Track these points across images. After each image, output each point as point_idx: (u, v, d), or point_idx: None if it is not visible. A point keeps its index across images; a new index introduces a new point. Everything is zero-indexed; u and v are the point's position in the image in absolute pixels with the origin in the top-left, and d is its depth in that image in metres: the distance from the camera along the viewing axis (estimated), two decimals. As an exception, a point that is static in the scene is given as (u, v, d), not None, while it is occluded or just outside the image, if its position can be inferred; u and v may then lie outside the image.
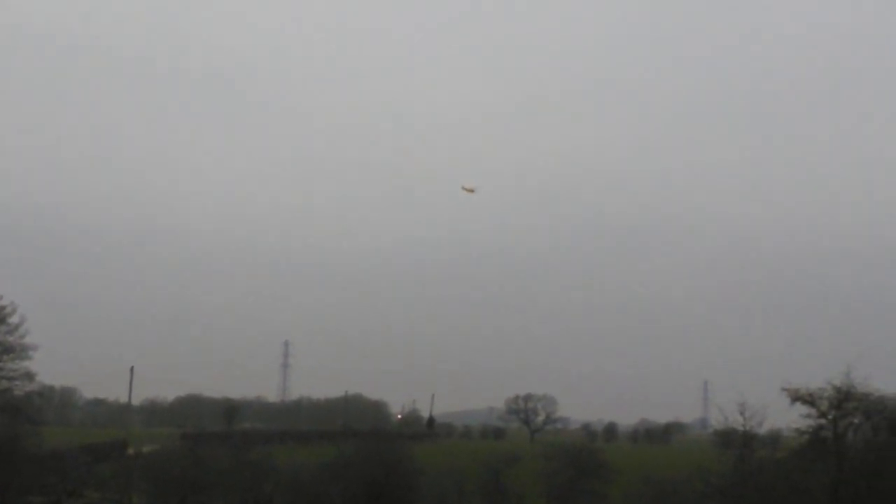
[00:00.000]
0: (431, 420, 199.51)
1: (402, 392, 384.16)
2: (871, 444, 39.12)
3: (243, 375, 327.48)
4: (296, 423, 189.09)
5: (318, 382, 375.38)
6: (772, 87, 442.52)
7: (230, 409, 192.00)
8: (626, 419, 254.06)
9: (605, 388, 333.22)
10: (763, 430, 47.04)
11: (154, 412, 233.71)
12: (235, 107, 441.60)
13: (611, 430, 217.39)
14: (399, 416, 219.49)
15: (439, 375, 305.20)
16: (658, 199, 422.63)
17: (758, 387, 48.88)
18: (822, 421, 39.55)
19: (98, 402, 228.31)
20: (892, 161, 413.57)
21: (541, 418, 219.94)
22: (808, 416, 39.80)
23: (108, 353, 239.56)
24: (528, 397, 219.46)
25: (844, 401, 38.96)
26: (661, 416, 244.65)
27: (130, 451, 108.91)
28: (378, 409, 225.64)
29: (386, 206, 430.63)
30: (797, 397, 39.59)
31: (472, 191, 66.63)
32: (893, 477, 37.97)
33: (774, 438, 52.35)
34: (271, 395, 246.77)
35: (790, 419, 41.21)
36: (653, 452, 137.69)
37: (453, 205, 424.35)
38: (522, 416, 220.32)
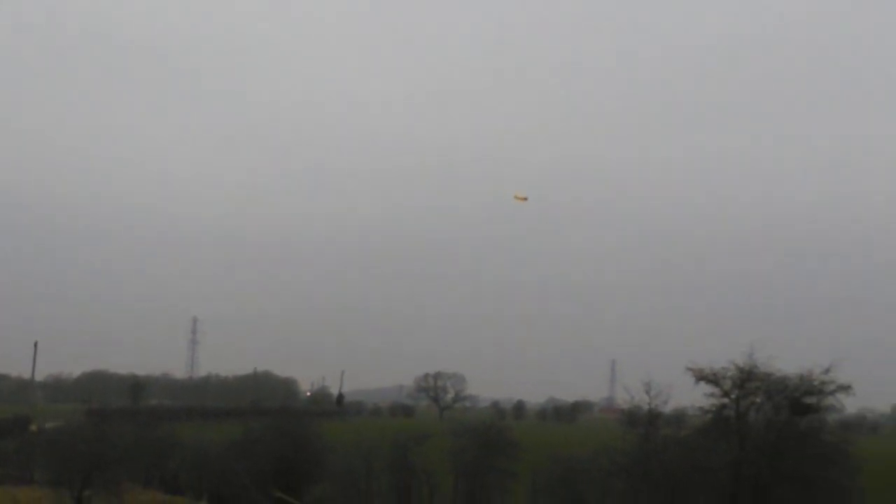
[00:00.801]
0: (341, 397, 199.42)
1: (311, 370, 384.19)
2: (772, 424, 39.83)
3: (150, 352, 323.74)
4: (204, 401, 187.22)
5: (226, 359, 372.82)
6: (670, 74, 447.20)
7: (136, 386, 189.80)
8: (535, 397, 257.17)
9: (514, 366, 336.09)
10: (668, 408, 47.71)
11: (59, 388, 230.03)
12: (164, 77, 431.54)
13: (519, 408, 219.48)
14: (308, 394, 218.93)
15: (349, 353, 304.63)
16: (566, 180, 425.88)
17: (664, 366, 49.60)
18: (726, 400, 40.14)
19: (0, 378, 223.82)
20: (803, 150, 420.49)
21: (450, 396, 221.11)
22: (712, 395, 40.36)
23: (11, 327, 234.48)
24: (437, 375, 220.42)
25: (747, 380, 39.59)
26: (568, 395, 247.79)
27: (33, 427, 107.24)
28: (287, 386, 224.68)
29: (298, 184, 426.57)
30: (701, 377, 40.11)
31: (524, 199, 67.05)
32: (793, 456, 38.77)
33: (679, 417, 53.24)
34: (179, 371, 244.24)
35: (694, 398, 41.79)
36: (560, 430, 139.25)
37: (366, 184, 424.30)
38: (432, 393, 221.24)
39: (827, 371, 39.08)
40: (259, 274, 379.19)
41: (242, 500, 46.55)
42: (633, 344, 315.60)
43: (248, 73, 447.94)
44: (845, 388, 39.40)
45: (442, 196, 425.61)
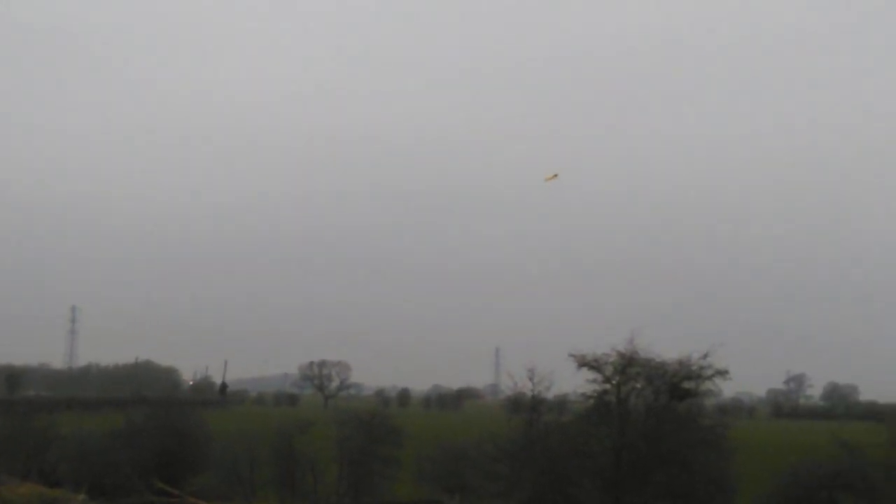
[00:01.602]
0: (224, 387, 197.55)
1: (194, 359, 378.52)
2: (652, 408, 40.58)
3: (27, 342, 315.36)
4: (84, 391, 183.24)
5: (107, 349, 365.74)
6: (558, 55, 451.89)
7: (12, 376, 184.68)
8: (420, 385, 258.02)
9: (399, 354, 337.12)
10: (551, 395, 48.21)
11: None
12: (48, 61, 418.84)
13: (404, 396, 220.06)
14: (191, 383, 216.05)
15: (233, 342, 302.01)
16: (451, 167, 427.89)
17: (547, 353, 50.19)
18: (607, 386, 40.72)
19: None
20: (686, 134, 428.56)
21: (335, 384, 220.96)
22: (594, 381, 40.90)
23: None
24: (322, 364, 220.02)
25: (628, 366, 40.22)
26: (453, 383, 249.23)
27: None
28: (169, 376, 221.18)
29: (181, 173, 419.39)
30: (583, 363, 40.60)
31: (555, 176, 67.42)
32: (672, 439, 39.55)
33: (562, 403, 53.76)
34: (58, 362, 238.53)
35: (577, 384, 42.31)
36: (445, 418, 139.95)
37: (251, 172, 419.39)
38: (316, 382, 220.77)
39: (705, 357, 39.92)
40: (139, 263, 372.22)
41: (124, 492, 45.62)
42: (516, 331, 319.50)
43: (142, 61, 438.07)
44: (722, 373, 40.30)
45: (327, 183, 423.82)
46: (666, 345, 43.27)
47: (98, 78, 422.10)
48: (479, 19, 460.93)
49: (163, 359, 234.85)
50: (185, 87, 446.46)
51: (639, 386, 40.99)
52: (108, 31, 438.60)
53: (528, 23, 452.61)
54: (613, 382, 40.65)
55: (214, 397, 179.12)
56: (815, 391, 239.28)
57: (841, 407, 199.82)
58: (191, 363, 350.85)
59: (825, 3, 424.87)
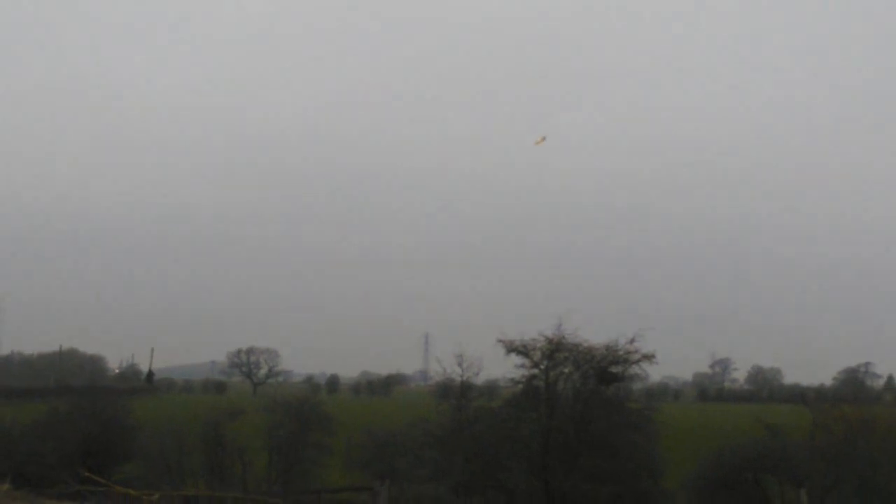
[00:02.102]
0: (150, 374, 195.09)
1: (120, 347, 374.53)
2: (580, 393, 40.95)
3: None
4: (6, 380, 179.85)
5: (30, 337, 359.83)
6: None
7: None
8: (349, 371, 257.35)
9: (328, 341, 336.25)
10: (480, 380, 48.41)
11: None
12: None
13: (333, 383, 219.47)
14: (117, 371, 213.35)
15: (159, 329, 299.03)
16: (377, 151, 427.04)
17: (476, 339, 50.35)
18: (535, 371, 41.03)
19: None
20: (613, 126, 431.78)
21: (263, 371, 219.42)
22: (522, 366, 41.20)
23: None
24: (250, 350, 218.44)
25: (556, 351, 40.53)
26: (383, 369, 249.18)
27: None
28: (95, 363, 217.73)
29: (104, 160, 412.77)
30: (512, 348, 40.85)
31: (543, 140, 68.05)
32: (599, 424, 39.98)
33: (491, 388, 54.02)
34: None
35: (506, 369, 42.55)
36: (374, 404, 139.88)
37: (175, 158, 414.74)
38: (245, 369, 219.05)
39: (631, 341, 40.40)
40: (62, 249, 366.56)
41: (49, 482, 44.97)
42: (445, 317, 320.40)
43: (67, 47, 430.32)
44: (649, 357, 40.82)
45: (251, 167, 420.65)
46: (593, 329, 43.74)
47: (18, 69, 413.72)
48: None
49: (88, 347, 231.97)
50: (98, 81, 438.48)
51: (567, 371, 41.34)
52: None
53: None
54: (542, 367, 40.94)
55: (141, 385, 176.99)
56: (740, 374, 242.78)
57: (765, 390, 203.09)
58: (117, 351, 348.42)
59: None
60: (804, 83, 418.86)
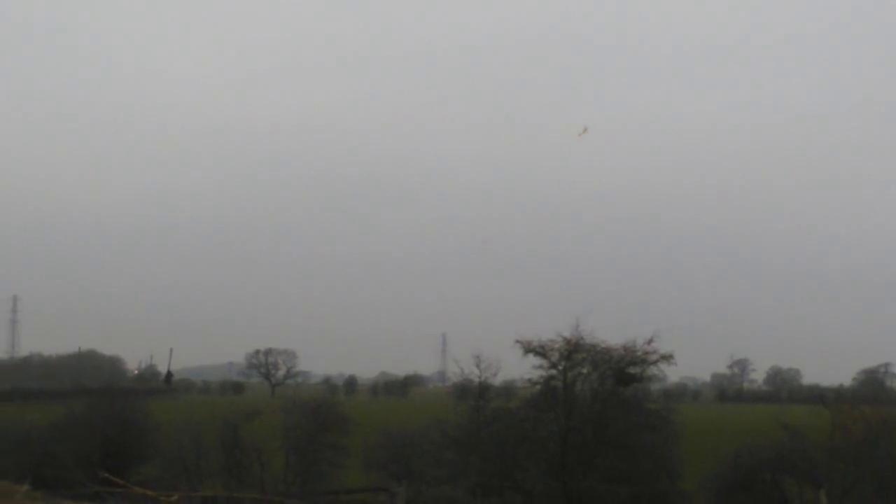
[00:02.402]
0: (169, 375, 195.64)
1: (138, 348, 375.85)
2: (598, 394, 40.88)
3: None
4: (26, 381, 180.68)
5: (49, 339, 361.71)
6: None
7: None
8: (367, 372, 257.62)
9: (346, 342, 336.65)
10: (498, 381, 48.46)
11: None
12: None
13: (351, 384, 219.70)
14: (135, 372, 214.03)
15: (178, 330, 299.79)
16: (394, 154, 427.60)
17: (493, 339, 50.39)
18: (553, 371, 40.97)
19: None
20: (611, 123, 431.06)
21: (281, 372, 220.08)
22: (540, 367, 41.15)
23: None
24: (268, 352, 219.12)
25: (574, 352, 40.46)
26: (400, 369, 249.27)
27: None
28: (113, 365, 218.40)
29: (120, 160, 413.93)
30: (530, 349, 40.81)
31: (585, 131, 68.25)
32: (617, 424, 39.91)
33: (508, 389, 54.13)
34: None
35: (523, 370, 42.52)
36: (392, 405, 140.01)
37: (190, 157, 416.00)
38: (263, 370, 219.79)
39: (650, 342, 40.34)
40: (81, 251, 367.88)
41: (67, 483, 45.13)
42: (463, 318, 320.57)
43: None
44: (667, 358, 40.75)
45: (268, 170, 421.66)
46: (611, 330, 43.66)
47: (23, 68, 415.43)
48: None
49: (106, 348, 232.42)
50: (105, 78, 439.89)
51: (585, 371, 41.27)
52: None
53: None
54: (559, 368, 40.88)
55: (160, 386, 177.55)
56: (758, 375, 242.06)
57: (784, 390, 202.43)
58: (135, 352, 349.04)
59: None
60: (815, 90, 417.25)
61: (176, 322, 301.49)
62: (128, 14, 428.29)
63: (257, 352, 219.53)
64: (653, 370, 41.18)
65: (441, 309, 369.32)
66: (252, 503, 38.56)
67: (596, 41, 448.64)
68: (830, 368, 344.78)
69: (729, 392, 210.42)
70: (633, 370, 40.72)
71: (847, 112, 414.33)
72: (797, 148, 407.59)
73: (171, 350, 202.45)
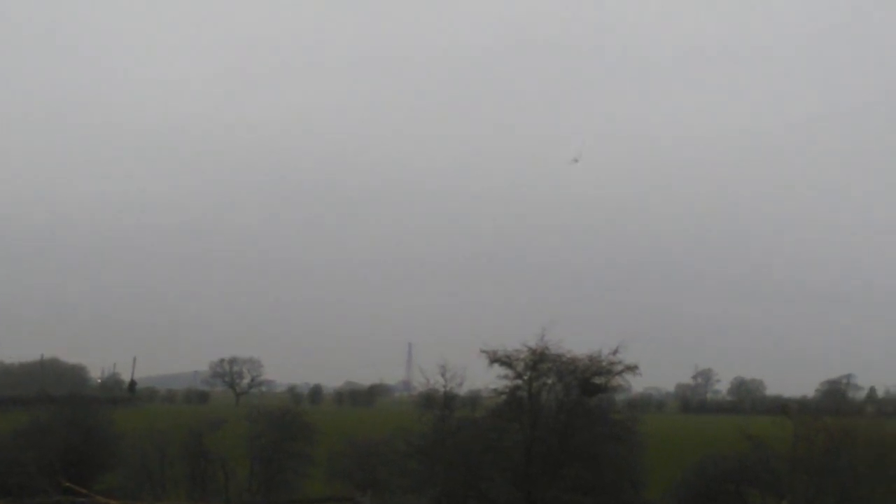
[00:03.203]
0: (133, 384, 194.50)
1: (101, 356, 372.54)
2: (563, 404, 41.00)
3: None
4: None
5: (11, 346, 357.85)
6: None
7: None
8: (332, 381, 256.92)
9: (311, 351, 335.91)
10: (463, 390, 48.42)
11: None
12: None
13: (316, 393, 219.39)
14: (99, 381, 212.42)
15: (141, 339, 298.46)
16: (358, 161, 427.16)
17: (459, 349, 50.33)
18: (519, 381, 41.06)
19: None
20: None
21: (246, 381, 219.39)
22: (506, 377, 41.23)
23: None
24: (233, 360, 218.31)
25: (539, 362, 40.58)
26: (365, 379, 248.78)
27: None
28: (76, 373, 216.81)
29: (83, 162, 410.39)
30: (495, 359, 40.88)
31: (576, 161, 67.91)
32: (582, 434, 40.03)
33: (474, 399, 54.07)
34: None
35: (489, 380, 42.57)
36: (357, 414, 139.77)
37: (153, 164, 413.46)
38: (228, 379, 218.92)
39: (615, 352, 40.52)
40: (44, 258, 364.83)
41: (30, 491, 44.75)
42: (428, 327, 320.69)
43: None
44: (632, 369, 40.94)
45: (231, 176, 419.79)
46: (576, 340, 43.79)
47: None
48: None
49: (69, 356, 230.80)
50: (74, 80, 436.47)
51: (550, 381, 41.38)
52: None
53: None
54: (525, 378, 40.98)
55: (123, 395, 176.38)
56: (722, 386, 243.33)
57: (747, 401, 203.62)
58: (98, 360, 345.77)
59: None
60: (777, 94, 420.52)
61: (140, 330, 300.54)
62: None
63: (222, 360, 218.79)
64: (618, 381, 41.35)
65: (407, 318, 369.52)
66: (216, 512, 38.45)
67: (586, 45, 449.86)
68: (794, 380, 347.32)
69: (693, 403, 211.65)
70: (598, 380, 40.89)
71: (807, 122, 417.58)
72: (756, 159, 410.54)
73: (135, 359, 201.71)
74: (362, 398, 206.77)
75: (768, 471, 41.37)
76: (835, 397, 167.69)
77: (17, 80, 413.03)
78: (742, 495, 42.38)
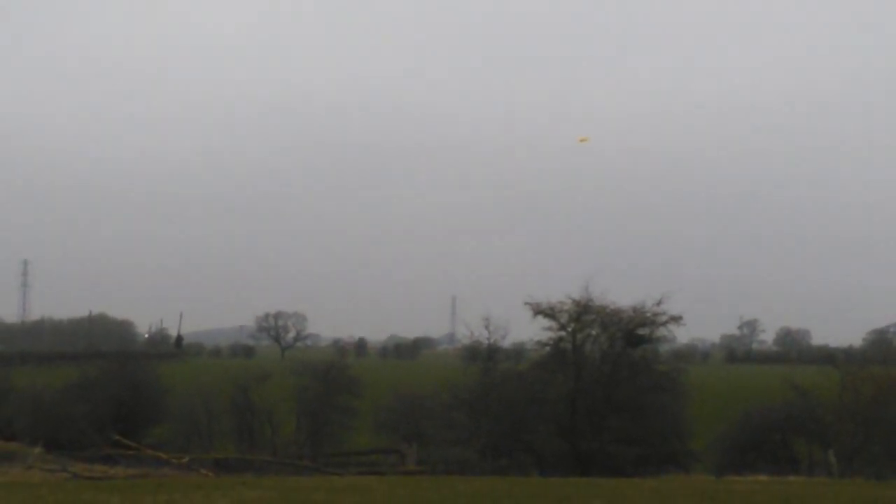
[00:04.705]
0: (179, 339, 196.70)
1: (149, 311, 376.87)
2: (607, 355, 40.93)
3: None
4: (37, 345, 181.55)
5: (60, 302, 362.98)
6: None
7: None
8: (376, 335, 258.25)
9: (356, 305, 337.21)
10: (507, 343, 48.48)
11: None
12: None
13: (361, 346, 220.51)
14: (146, 336, 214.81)
15: (188, 294, 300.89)
16: (404, 120, 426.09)
17: (503, 302, 50.40)
18: (562, 333, 41.00)
19: None
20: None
21: (291, 335, 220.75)
22: (550, 328, 41.17)
23: None
24: (278, 315, 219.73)
25: (583, 313, 40.48)
26: (410, 332, 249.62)
27: None
28: (124, 328, 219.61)
29: (129, 119, 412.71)
30: (539, 311, 40.82)
31: (585, 140, 68.45)
32: (627, 386, 39.99)
33: (518, 351, 54.02)
34: (10, 316, 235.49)
35: (533, 332, 42.52)
36: (402, 367, 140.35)
37: (202, 120, 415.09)
38: (273, 333, 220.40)
39: (659, 303, 40.34)
40: (91, 215, 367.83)
41: (80, 445, 45.47)
42: (473, 280, 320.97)
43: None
44: (676, 319, 40.78)
45: (281, 132, 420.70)
46: (621, 292, 43.66)
47: (42, 28, 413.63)
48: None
49: (117, 312, 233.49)
50: (132, 37, 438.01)
51: (594, 333, 41.31)
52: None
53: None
54: (569, 330, 40.92)
55: (170, 350, 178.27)
56: (767, 336, 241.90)
57: (793, 351, 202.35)
58: (146, 316, 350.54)
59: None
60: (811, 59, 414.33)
61: (186, 286, 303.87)
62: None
63: (267, 315, 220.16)
64: (662, 331, 41.23)
65: (451, 271, 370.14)
66: (264, 465, 38.83)
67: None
68: (840, 329, 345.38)
69: (738, 353, 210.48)
70: (642, 332, 40.76)
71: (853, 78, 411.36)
72: (804, 107, 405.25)
73: (182, 314, 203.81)
74: (407, 351, 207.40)
75: (814, 421, 41.17)
76: (882, 346, 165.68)
77: (60, 39, 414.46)
78: (788, 445, 42.26)
